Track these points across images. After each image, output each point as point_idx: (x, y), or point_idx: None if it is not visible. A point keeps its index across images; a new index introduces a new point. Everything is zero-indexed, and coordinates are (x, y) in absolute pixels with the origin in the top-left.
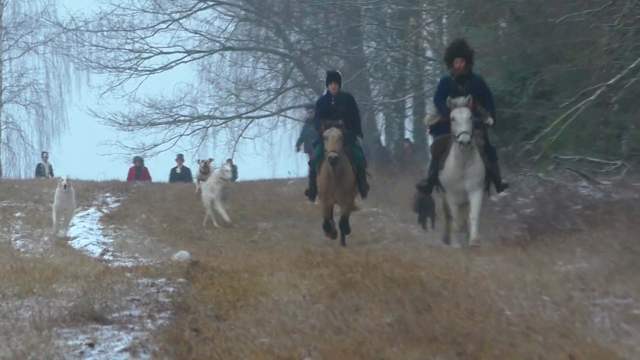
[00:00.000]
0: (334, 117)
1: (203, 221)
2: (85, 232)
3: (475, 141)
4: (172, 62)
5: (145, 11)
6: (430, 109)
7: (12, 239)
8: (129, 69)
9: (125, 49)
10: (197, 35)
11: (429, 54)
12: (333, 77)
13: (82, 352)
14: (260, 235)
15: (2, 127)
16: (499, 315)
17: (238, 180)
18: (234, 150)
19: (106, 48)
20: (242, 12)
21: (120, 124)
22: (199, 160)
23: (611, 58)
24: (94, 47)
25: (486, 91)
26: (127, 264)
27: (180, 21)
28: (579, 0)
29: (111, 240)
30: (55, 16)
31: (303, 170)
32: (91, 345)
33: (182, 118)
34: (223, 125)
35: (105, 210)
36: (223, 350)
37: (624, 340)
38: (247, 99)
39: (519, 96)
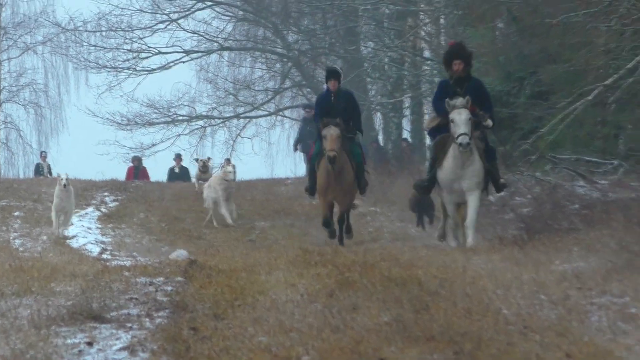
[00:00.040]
0: (334, 114)
1: (203, 221)
2: (84, 231)
3: (474, 142)
4: (170, 62)
5: (144, 11)
6: (428, 110)
7: (11, 238)
8: (128, 69)
9: (123, 49)
10: (195, 35)
11: (426, 54)
12: (332, 74)
13: (80, 351)
14: (258, 235)
15: (1, 127)
16: (497, 314)
17: (237, 179)
18: (232, 150)
19: (105, 48)
20: (240, 13)
21: (119, 123)
22: (197, 160)
23: (608, 58)
24: (93, 47)
25: (484, 93)
26: (125, 263)
27: (179, 21)
28: (576, 1)
29: (109, 240)
30: (54, 16)
31: (301, 170)
32: (90, 344)
33: (180, 118)
34: (221, 125)
35: (103, 210)
36: (221, 349)
37: (620, 339)
38: (245, 98)
39: (516, 96)
